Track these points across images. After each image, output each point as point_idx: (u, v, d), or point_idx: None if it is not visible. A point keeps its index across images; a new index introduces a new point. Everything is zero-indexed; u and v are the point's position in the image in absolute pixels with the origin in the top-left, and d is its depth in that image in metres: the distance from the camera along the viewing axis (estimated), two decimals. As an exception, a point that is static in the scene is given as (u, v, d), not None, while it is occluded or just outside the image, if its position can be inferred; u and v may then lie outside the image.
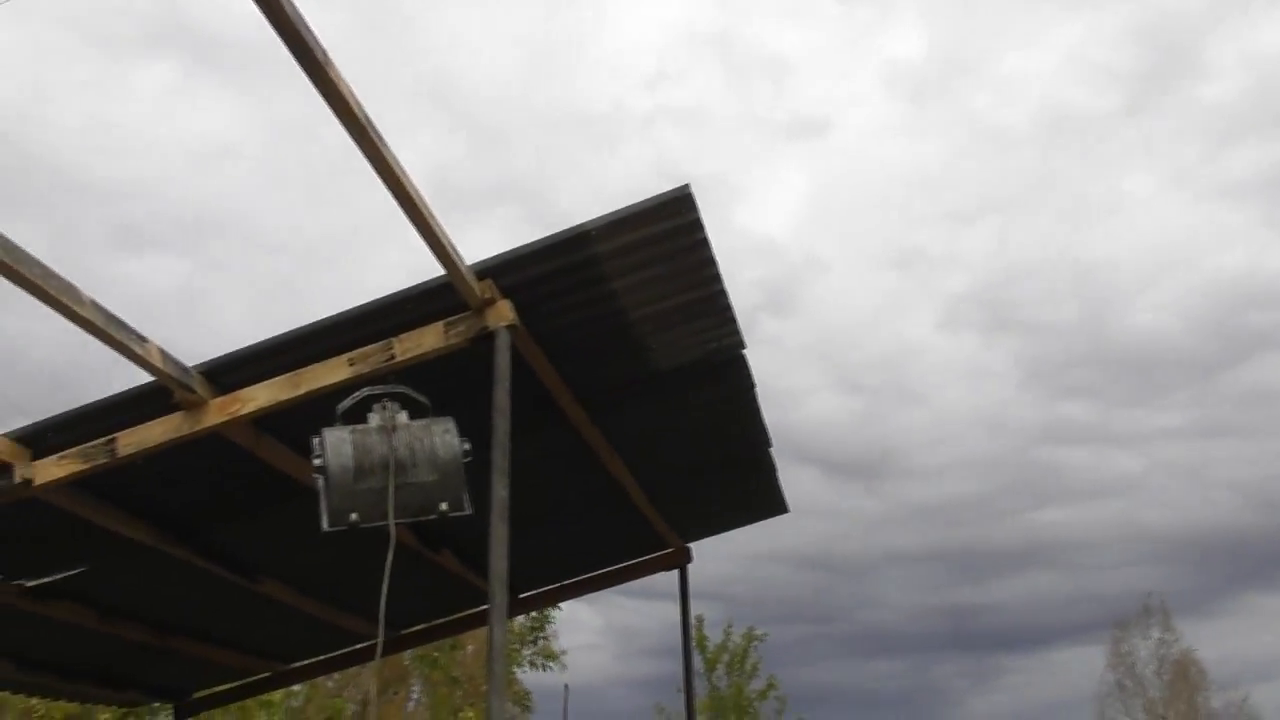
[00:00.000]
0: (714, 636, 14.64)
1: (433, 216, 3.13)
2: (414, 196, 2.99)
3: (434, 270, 3.51)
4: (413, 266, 3.62)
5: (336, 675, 9.76)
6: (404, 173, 2.90)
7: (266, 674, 6.65)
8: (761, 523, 6.44)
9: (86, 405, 3.69)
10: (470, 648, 11.76)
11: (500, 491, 3.31)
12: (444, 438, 3.45)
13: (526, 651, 9.82)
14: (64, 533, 4.32)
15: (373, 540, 4.82)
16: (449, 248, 3.27)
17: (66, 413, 3.71)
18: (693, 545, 6.13)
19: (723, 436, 5.25)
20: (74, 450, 3.72)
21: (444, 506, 3.45)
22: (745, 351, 4.52)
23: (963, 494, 45.26)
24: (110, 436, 3.69)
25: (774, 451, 5.49)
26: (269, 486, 4.29)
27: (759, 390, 4.84)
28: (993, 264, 45.71)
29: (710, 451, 5.39)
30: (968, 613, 46.40)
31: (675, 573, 6.07)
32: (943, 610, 45.78)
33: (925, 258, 46.06)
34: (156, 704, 7.04)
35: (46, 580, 4.79)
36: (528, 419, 3.50)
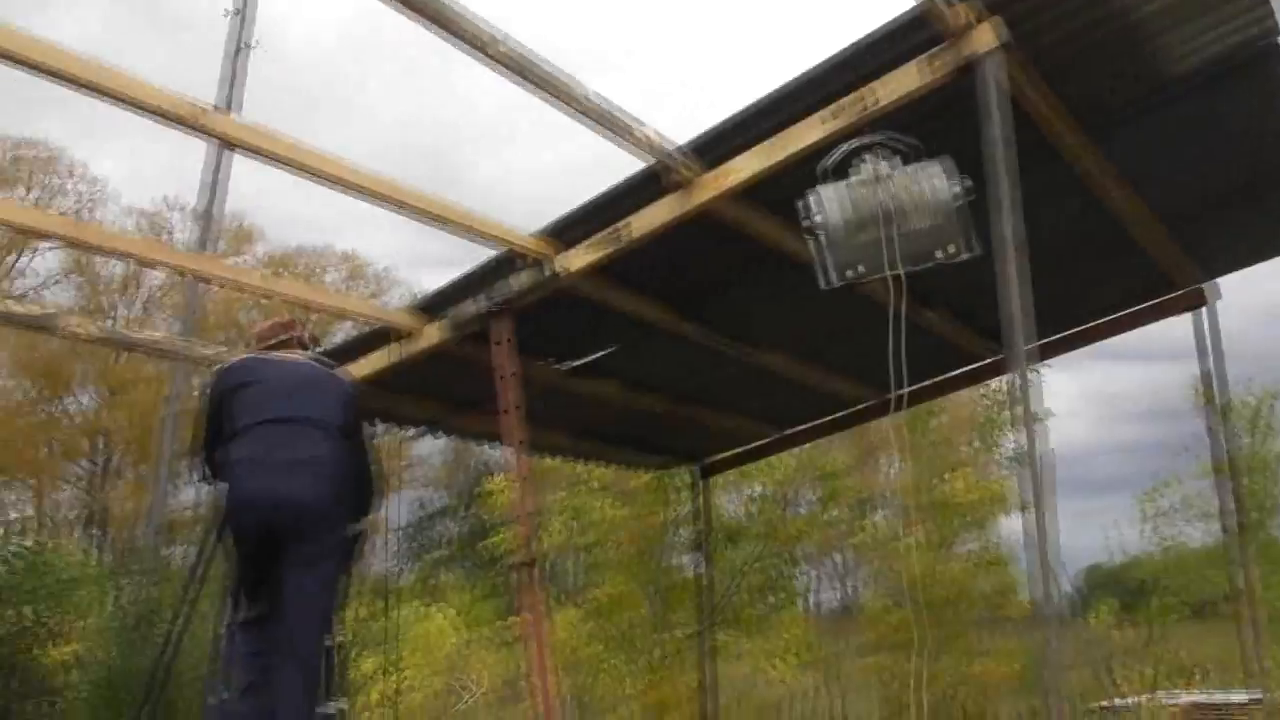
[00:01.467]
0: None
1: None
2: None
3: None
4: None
5: (822, 441, 10.26)
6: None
7: (771, 438, 7.22)
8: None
9: (597, 197, 4.07)
10: (943, 418, 11.64)
11: (1004, 229, 3.10)
12: (936, 181, 3.30)
13: (1007, 414, 9.50)
14: (592, 318, 4.91)
15: (861, 303, 4.87)
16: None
17: (582, 206, 4.13)
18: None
19: (1252, 151, 4.45)
20: (594, 239, 4.16)
21: (944, 252, 3.35)
22: (1284, 38, 3.71)
23: None
24: (621, 222, 4.05)
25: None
26: (760, 258, 4.46)
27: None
28: None
29: (1237, 170, 4.60)
30: None
31: (1173, 325, 5.42)
32: None
33: None
34: (680, 467, 7.97)
35: (582, 361, 5.54)
36: (1019, 150, 3.20)
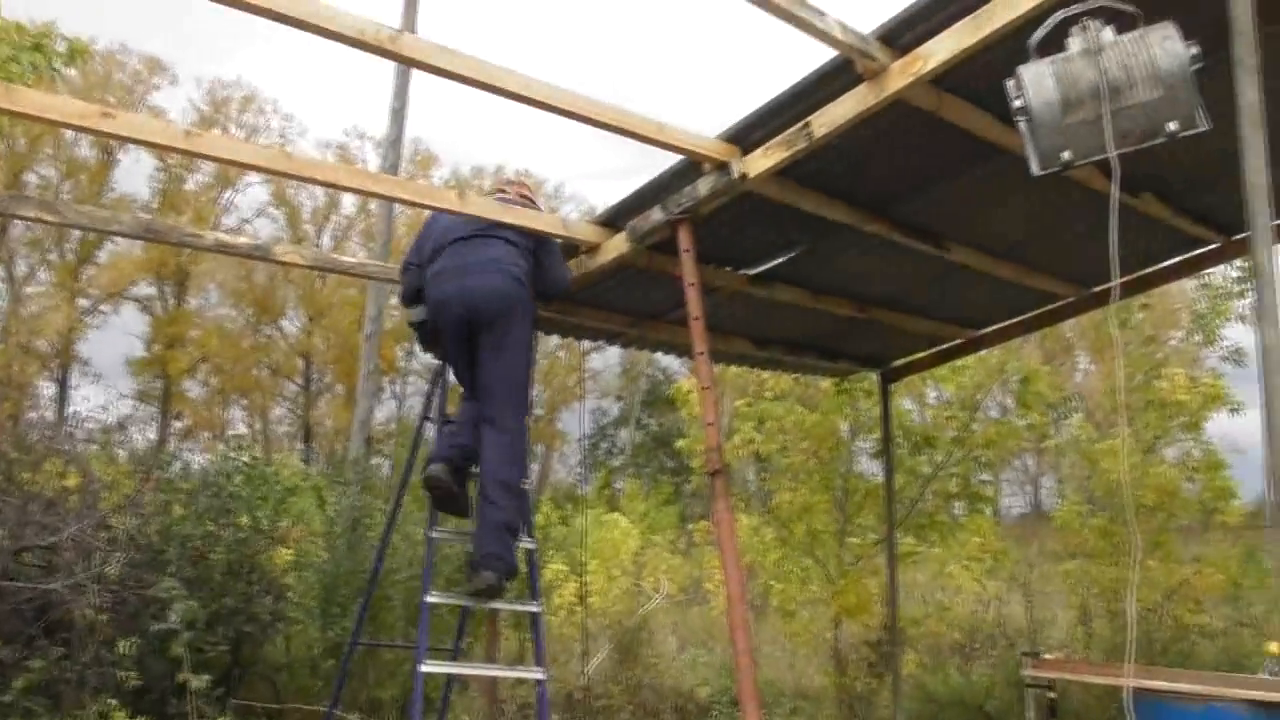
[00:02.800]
0: None
1: None
2: None
3: None
4: None
5: (1011, 343, 9.79)
6: None
7: (958, 341, 6.93)
8: None
9: (780, 94, 3.90)
10: (1142, 314, 10.80)
11: (1249, 93, 2.76)
12: (1168, 44, 2.97)
13: (1237, 304, 8.71)
14: (774, 221, 4.78)
15: (1064, 193, 4.53)
16: None
17: (764, 105, 3.97)
18: None
19: None
20: (776, 140, 4.01)
21: (1173, 126, 3.02)
22: None
23: None
24: (804, 121, 3.88)
25: None
26: (955, 150, 4.20)
27: None
28: None
29: None
30: None
31: None
32: None
33: None
34: (863, 373, 7.79)
35: (765, 267, 5.43)
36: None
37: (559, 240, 4.95)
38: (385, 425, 34.36)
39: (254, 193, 34.95)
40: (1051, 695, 6.04)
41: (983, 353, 8.80)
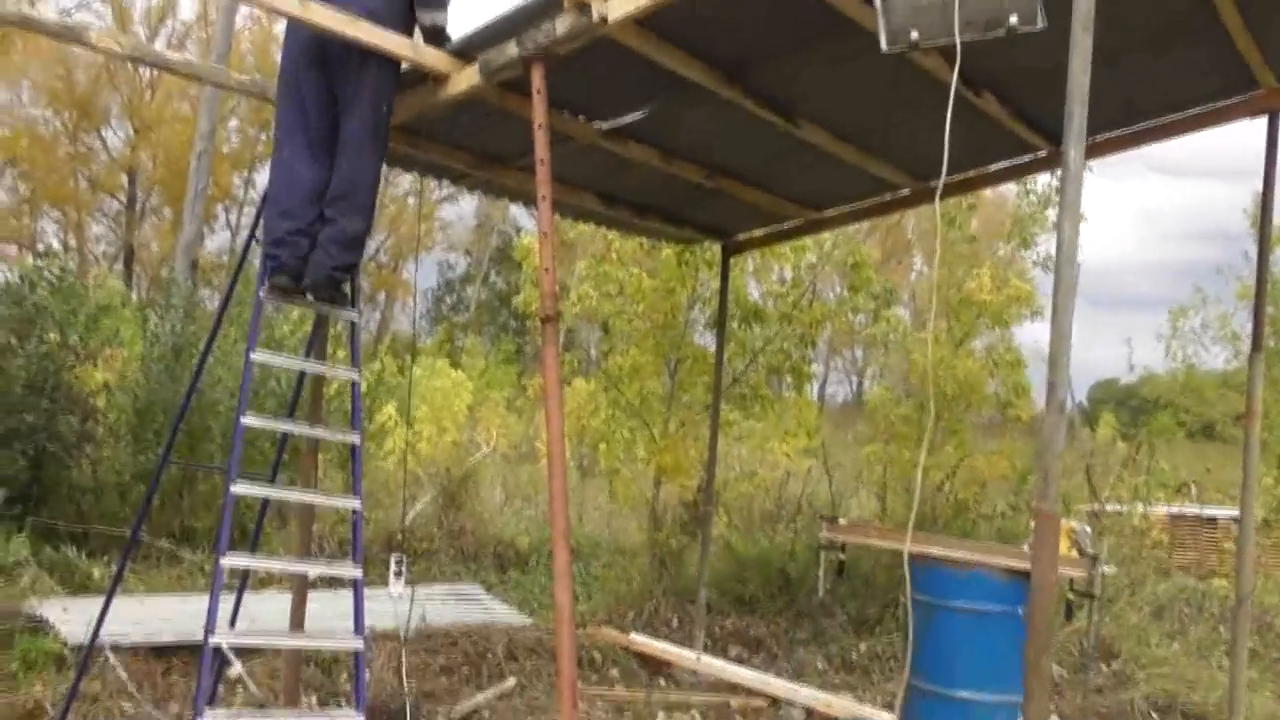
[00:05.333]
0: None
1: None
2: None
3: None
4: None
5: (854, 236, 10.18)
6: None
7: (801, 220, 7.11)
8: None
9: (648, -62, 3.79)
10: (974, 223, 11.42)
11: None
12: (1018, -63, 3.05)
13: (1050, 213, 9.25)
14: (632, 74, 4.71)
15: (915, 83, 4.65)
16: None
17: (631, -53, 3.85)
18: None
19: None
20: (640, -14, 3.91)
21: (1014, 19, 3.13)
22: None
23: None
24: (673, -30, 3.79)
25: None
26: (816, 22, 4.20)
27: None
28: None
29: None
30: None
31: (1232, 144, 5.14)
32: None
33: None
34: (707, 242, 7.90)
35: (619, 122, 5.37)
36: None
37: (413, 63, 4.70)
38: (217, 256, 32.65)
39: (74, -22, 31.45)
40: (842, 557, 6.54)
41: (824, 236, 9.12)
